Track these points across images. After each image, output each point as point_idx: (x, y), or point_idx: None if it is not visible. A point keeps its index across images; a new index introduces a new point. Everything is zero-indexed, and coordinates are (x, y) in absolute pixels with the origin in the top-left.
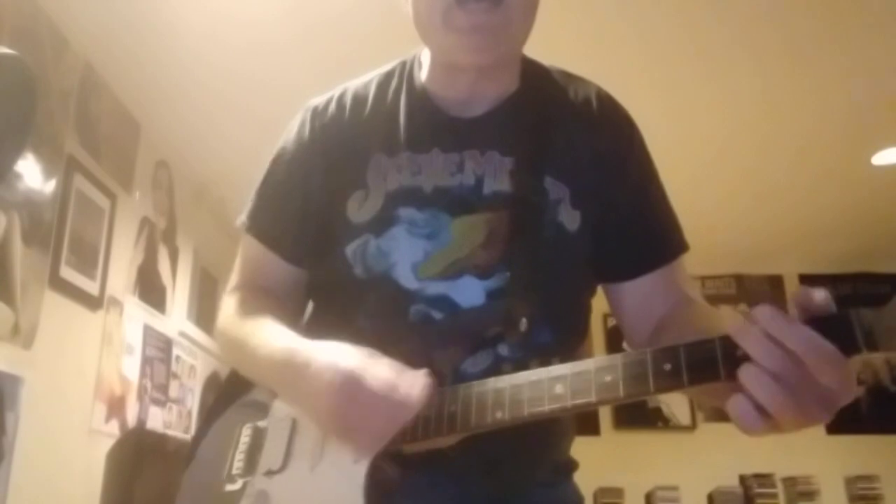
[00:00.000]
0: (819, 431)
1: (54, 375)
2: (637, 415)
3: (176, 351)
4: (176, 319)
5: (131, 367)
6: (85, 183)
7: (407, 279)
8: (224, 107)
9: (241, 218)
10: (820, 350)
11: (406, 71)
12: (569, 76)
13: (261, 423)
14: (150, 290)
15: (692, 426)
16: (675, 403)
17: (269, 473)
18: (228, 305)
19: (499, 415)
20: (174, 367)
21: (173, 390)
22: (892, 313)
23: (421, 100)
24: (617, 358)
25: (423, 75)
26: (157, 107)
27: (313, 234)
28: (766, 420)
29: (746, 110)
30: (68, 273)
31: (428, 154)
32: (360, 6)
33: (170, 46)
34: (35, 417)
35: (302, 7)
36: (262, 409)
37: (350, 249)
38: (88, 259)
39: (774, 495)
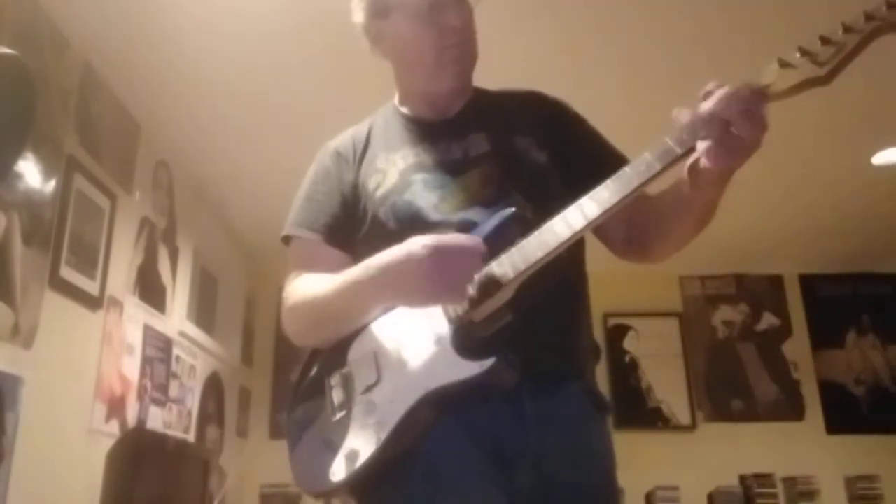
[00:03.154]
0: (819, 431)
1: (54, 375)
2: (637, 415)
3: (176, 351)
4: (176, 319)
5: (131, 367)
6: (85, 183)
7: (432, 215)
8: (224, 107)
9: (287, 229)
10: (746, 94)
11: (388, 110)
12: (502, 89)
13: (343, 370)
14: (150, 290)
15: (692, 426)
16: (676, 403)
17: (368, 388)
18: (294, 287)
19: (540, 253)
20: (174, 367)
21: (173, 390)
22: None
23: (407, 118)
24: (616, 174)
25: (403, 109)
26: (157, 107)
27: (352, 219)
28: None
29: None
30: (68, 273)
31: (422, 145)
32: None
33: (170, 46)
34: (35, 417)
35: (301, 5)
36: (338, 366)
37: (382, 211)
38: (88, 259)
39: (774, 495)
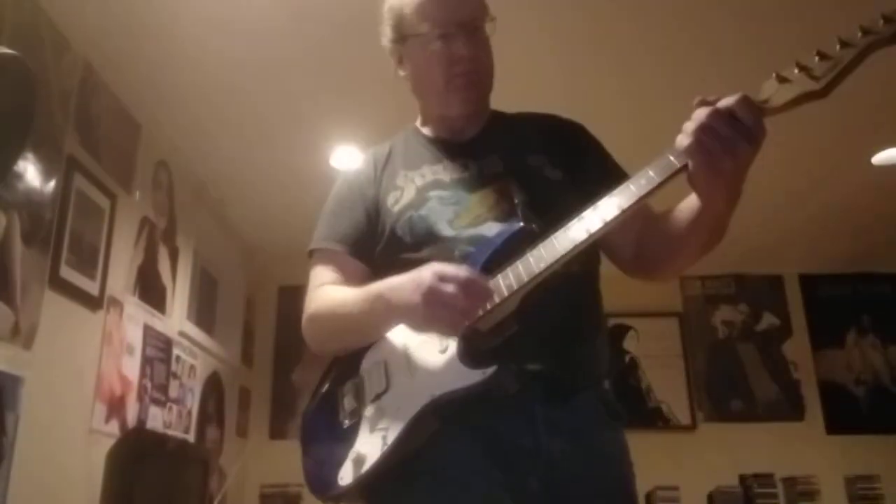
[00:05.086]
0: (819, 431)
1: (54, 375)
2: (637, 415)
3: (176, 351)
4: (176, 319)
5: (131, 367)
6: (85, 183)
7: (445, 230)
8: (224, 107)
9: (313, 244)
10: (732, 100)
11: (409, 131)
12: (519, 112)
13: (355, 379)
14: (150, 290)
15: (692, 426)
16: (675, 403)
17: (377, 396)
18: (317, 296)
19: (542, 264)
20: (174, 367)
21: (173, 390)
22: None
23: (427, 139)
24: (619, 187)
25: (423, 131)
26: (157, 107)
27: (374, 233)
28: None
29: None
30: (68, 273)
31: (440, 164)
32: (362, 11)
33: (170, 47)
34: (35, 417)
35: (299, 5)
36: (351, 374)
37: (399, 226)
38: (88, 259)
39: (774, 495)
